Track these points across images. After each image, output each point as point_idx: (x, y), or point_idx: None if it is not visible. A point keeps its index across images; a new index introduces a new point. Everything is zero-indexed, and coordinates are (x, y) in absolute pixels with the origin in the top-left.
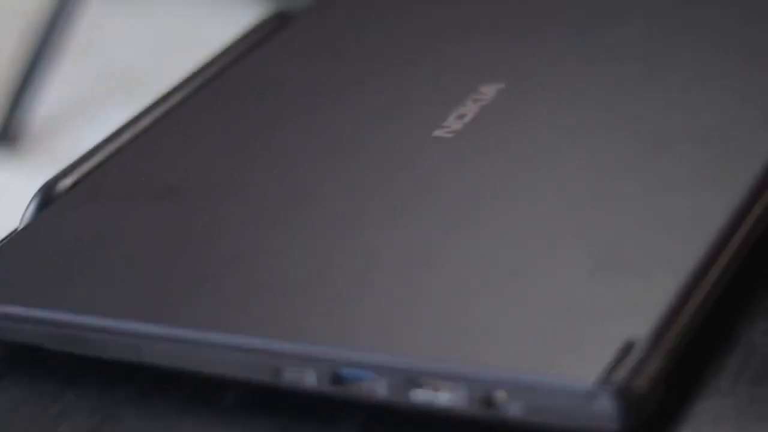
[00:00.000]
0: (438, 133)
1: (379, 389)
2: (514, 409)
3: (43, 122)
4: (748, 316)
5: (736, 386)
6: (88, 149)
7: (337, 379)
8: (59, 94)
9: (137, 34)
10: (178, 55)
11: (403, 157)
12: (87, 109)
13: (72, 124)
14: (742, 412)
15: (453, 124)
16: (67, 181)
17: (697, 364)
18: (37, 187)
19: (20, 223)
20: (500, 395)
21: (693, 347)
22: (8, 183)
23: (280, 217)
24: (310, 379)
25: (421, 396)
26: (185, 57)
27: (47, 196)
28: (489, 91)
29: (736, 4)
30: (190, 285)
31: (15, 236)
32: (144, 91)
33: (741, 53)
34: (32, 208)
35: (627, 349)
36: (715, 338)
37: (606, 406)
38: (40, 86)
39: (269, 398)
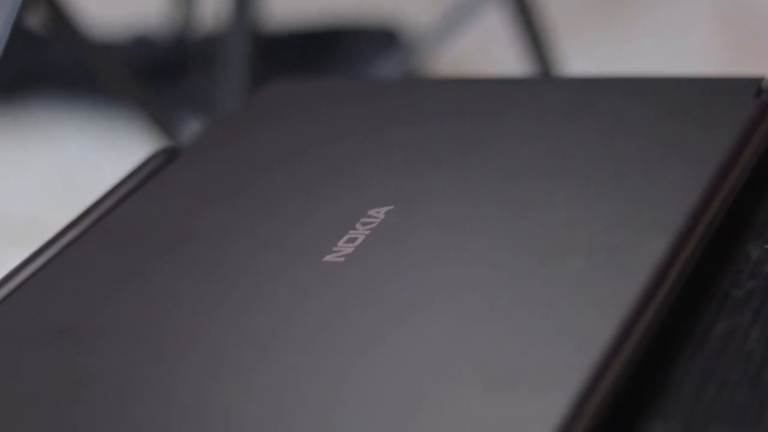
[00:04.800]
0: (329, 258)
1: None
2: None
3: None
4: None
5: None
6: None
7: None
8: None
9: (24, 179)
10: (66, 197)
11: (295, 283)
12: None
13: None
14: None
15: (344, 248)
16: None
17: None
18: None
19: None
20: None
21: None
22: None
23: (173, 351)
24: None
25: None
26: (74, 197)
27: None
28: (378, 215)
29: (614, 118)
30: (83, 426)
31: None
32: (34, 235)
33: (621, 165)
34: None
35: None
36: None
37: None
38: None
39: None
